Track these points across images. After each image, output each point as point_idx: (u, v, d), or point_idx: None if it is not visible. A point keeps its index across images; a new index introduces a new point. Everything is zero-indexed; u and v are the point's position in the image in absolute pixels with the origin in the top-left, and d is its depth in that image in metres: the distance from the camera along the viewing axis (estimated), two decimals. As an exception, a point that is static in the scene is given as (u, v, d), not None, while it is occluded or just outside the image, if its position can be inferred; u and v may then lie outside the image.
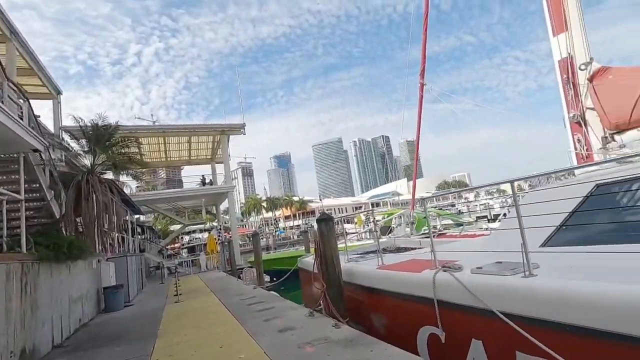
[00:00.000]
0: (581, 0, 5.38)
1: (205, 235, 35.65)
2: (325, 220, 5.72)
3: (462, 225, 9.35)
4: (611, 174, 3.51)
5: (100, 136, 7.72)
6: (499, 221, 8.39)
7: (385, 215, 17.27)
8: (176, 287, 10.77)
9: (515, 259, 3.08)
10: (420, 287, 3.76)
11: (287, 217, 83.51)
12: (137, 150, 11.09)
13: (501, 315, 2.79)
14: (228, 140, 22.76)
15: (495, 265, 3.33)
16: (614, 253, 2.88)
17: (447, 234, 8.37)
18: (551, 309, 2.54)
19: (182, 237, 46.11)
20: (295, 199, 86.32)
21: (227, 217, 28.12)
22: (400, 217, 11.88)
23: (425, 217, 11.76)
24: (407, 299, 4.02)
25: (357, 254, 7.03)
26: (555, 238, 3.49)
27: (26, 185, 6.45)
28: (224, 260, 20.14)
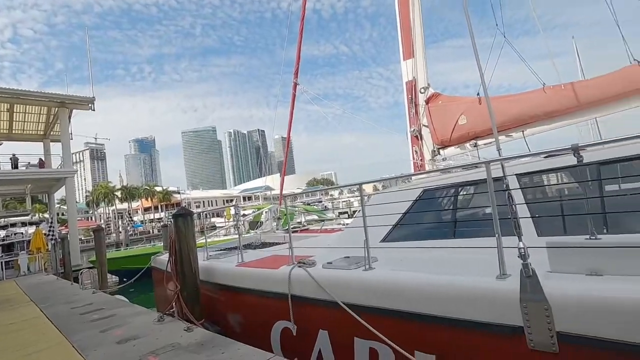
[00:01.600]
0: (424, 35, 6.43)
1: (32, 229, 28.63)
2: (183, 215, 5.26)
3: (323, 221, 10.06)
4: (436, 182, 4.28)
5: None
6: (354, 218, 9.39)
7: (255, 210, 17.24)
8: (-25, 298, 8.23)
9: (362, 254, 3.42)
10: (277, 283, 3.82)
11: (147, 209, 74.76)
12: None
13: (343, 305, 3.05)
14: (70, 115, 18.73)
15: (344, 259, 3.63)
16: (430, 248, 3.50)
17: (310, 229, 8.87)
18: (382, 297, 2.92)
19: (-7, 233, 35.87)
20: (158, 189, 77.94)
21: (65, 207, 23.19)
22: (269, 211, 12.02)
23: (291, 213, 12.21)
24: (263, 296, 4.04)
25: (219, 250, 6.74)
26: (393, 234, 4.04)
27: None
28: (56, 261, 16.55)
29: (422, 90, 6.24)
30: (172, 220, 5.56)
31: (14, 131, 20.40)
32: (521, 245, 2.25)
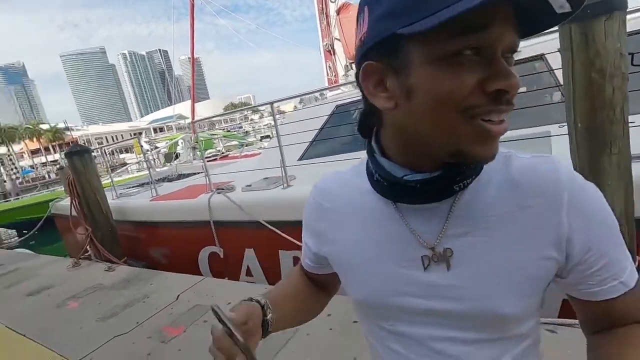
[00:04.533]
0: None
1: None
2: (78, 152, 4.64)
3: (243, 146, 9.83)
4: (349, 97, 4.36)
5: None
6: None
7: (169, 141, 15.97)
8: None
9: (280, 174, 3.49)
10: (196, 212, 3.77)
11: (35, 152, 64.13)
12: None
13: (265, 224, 3.19)
14: None
15: (263, 181, 3.68)
16: (347, 160, 3.71)
17: (230, 155, 8.64)
18: (301, 211, 3.11)
19: None
20: (45, 126, 66.27)
21: None
22: (183, 141, 11.26)
23: (209, 140, 11.63)
24: (184, 226, 3.99)
25: (130, 187, 6.27)
26: (309, 152, 4.15)
27: None
28: None
29: (333, 0, 5.92)
30: (66, 160, 4.88)
31: None
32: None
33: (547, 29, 0.37)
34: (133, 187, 6.22)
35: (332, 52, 6.29)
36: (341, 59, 6.22)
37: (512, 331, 0.45)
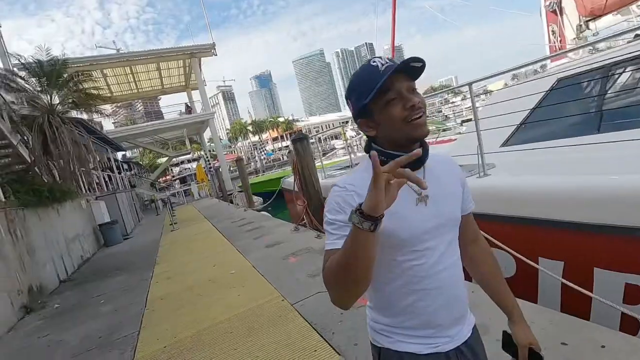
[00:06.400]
0: None
1: (195, 165, 35.74)
2: (300, 139, 5.73)
3: (438, 131, 9.44)
4: (578, 66, 3.45)
5: (50, 73, 7.07)
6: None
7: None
8: (171, 217, 11.20)
9: (476, 161, 3.19)
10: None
11: (275, 139, 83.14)
12: (96, 85, 10.31)
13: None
14: (200, 64, 21.26)
15: (457, 168, 3.47)
16: (562, 149, 3.00)
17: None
18: (499, 204, 2.75)
19: (171, 169, 46.20)
20: (281, 119, 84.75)
21: (213, 144, 27.77)
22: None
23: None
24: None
25: (335, 169, 7.23)
26: (516, 137, 3.58)
27: (-14, 135, 6.17)
28: (215, 188, 20.57)
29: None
30: (291, 145, 6.16)
31: (164, 86, 24.52)
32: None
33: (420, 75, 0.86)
34: (337, 169, 7.16)
35: (558, 12, 5.08)
36: (571, 19, 4.94)
37: (457, 230, 0.95)
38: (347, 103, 0.91)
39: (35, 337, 3.80)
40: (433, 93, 7.82)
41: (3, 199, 5.26)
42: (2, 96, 6.76)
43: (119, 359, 2.88)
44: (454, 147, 4.23)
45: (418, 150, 0.66)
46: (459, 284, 0.92)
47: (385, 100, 0.82)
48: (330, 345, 2.39)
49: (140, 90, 24.24)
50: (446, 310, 0.89)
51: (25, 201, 5.62)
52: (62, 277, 6.18)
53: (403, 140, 0.84)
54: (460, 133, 8.51)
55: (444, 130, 10.15)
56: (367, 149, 0.92)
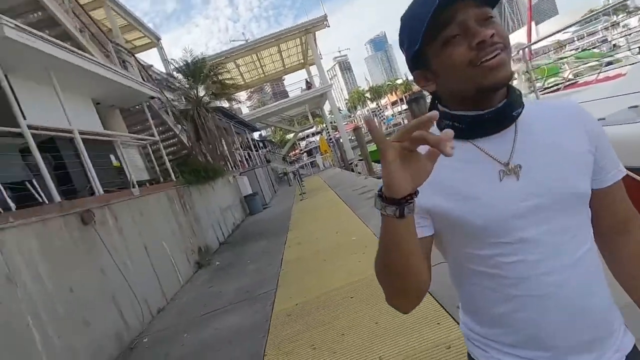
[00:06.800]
0: None
1: (318, 137, 37.92)
2: (416, 99, 5.35)
3: (601, 65, 7.33)
4: None
5: (194, 71, 8.47)
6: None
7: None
8: (300, 188, 12.27)
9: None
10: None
11: (394, 103, 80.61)
12: (231, 75, 11.74)
13: (631, 173, 2.32)
14: (315, 39, 21.84)
15: (626, 111, 2.64)
16: None
17: (580, 81, 6.79)
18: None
19: (299, 144, 50.19)
20: (399, 81, 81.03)
21: (334, 116, 28.75)
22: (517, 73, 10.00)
23: (554, 67, 9.60)
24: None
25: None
26: None
27: (159, 128, 7.82)
28: (337, 158, 21.43)
29: None
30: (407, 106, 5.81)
31: (286, 66, 26.28)
32: None
33: None
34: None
35: None
36: None
37: (586, 212, 0.65)
38: (401, 49, 0.69)
39: (206, 287, 4.78)
40: (592, 13, 6.03)
41: (174, 179, 6.64)
42: (165, 96, 8.39)
43: (263, 310, 3.37)
44: (623, 84, 3.22)
45: (434, 112, 0.45)
46: (592, 291, 0.63)
47: (444, 38, 0.59)
48: (452, 317, 2.26)
49: (266, 74, 26.62)
50: (567, 328, 0.62)
51: (189, 180, 6.98)
52: (220, 240, 7.55)
53: (472, 91, 0.60)
54: (634, 64, 6.36)
55: (608, 63, 7.88)
56: (431, 110, 0.72)
